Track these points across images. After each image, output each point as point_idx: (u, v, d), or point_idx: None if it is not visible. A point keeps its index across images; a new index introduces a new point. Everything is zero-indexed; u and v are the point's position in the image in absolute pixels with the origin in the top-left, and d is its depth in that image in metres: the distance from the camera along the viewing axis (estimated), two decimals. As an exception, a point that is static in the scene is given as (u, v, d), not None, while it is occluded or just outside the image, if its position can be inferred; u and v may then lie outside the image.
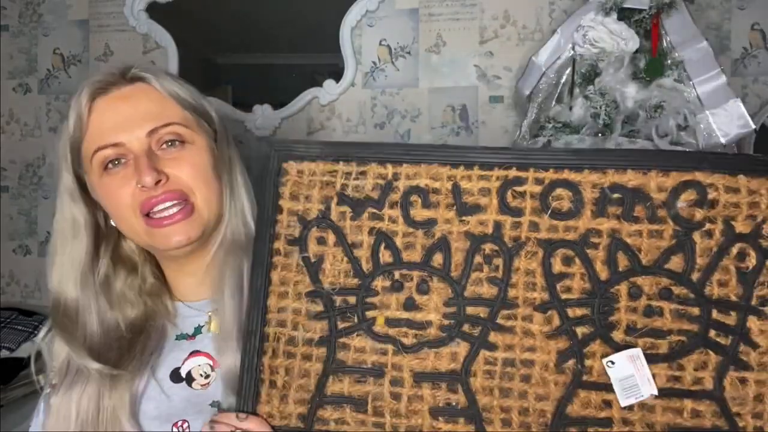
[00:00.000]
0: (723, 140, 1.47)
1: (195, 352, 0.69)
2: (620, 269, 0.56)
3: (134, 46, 2.09)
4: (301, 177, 0.62)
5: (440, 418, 0.57)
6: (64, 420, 0.66)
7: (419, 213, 0.59)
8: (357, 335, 0.59)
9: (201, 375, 0.68)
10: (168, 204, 0.65)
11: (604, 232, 0.56)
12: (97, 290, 0.69)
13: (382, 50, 2.00)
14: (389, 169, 0.60)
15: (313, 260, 0.61)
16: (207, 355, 0.69)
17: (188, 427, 0.66)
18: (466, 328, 0.57)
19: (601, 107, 1.46)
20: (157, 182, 0.64)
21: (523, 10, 1.92)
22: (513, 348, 0.57)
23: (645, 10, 1.51)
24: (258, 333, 0.61)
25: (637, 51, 1.51)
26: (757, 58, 1.87)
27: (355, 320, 0.59)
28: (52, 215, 0.73)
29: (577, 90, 1.54)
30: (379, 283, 0.59)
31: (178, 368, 0.69)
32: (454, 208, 0.58)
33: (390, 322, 0.59)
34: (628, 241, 0.56)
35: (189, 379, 0.68)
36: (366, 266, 0.60)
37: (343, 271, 0.60)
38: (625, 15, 1.54)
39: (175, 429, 0.66)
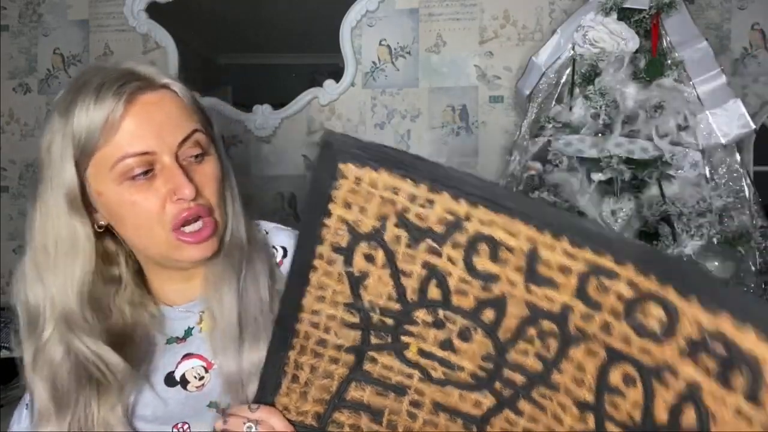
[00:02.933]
0: (723, 140, 1.48)
1: (188, 355, 0.69)
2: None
3: (134, 46, 2.09)
4: (358, 185, 0.54)
5: None
6: None
7: (483, 263, 0.52)
8: (387, 354, 0.57)
9: (195, 377, 0.68)
10: (198, 221, 0.63)
11: (681, 374, 0.44)
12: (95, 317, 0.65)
13: (382, 50, 2.00)
14: (463, 207, 0.51)
15: (356, 275, 0.56)
16: (200, 357, 0.69)
17: (189, 428, 0.66)
18: (497, 386, 0.54)
19: (601, 107, 1.46)
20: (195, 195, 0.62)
21: (523, 10, 1.92)
22: (537, 422, 0.53)
23: (645, 10, 1.52)
24: (289, 326, 0.59)
25: (637, 51, 1.51)
26: (757, 58, 1.88)
27: (389, 340, 0.57)
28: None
29: (577, 90, 1.54)
30: (421, 315, 0.55)
31: (172, 372, 0.68)
32: (524, 272, 0.50)
33: (423, 353, 0.56)
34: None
35: (183, 382, 0.68)
36: (411, 296, 0.55)
37: (387, 294, 0.56)
38: (625, 15, 1.54)
39: (175, 430, 0.66)
